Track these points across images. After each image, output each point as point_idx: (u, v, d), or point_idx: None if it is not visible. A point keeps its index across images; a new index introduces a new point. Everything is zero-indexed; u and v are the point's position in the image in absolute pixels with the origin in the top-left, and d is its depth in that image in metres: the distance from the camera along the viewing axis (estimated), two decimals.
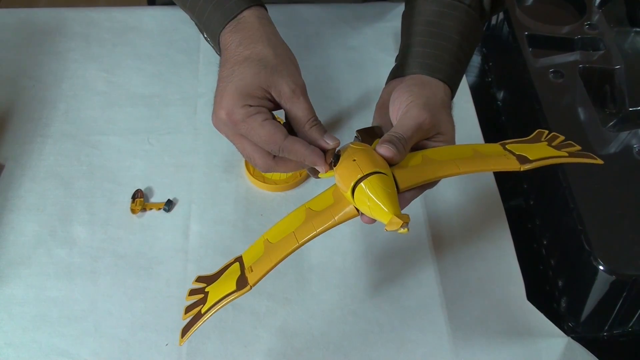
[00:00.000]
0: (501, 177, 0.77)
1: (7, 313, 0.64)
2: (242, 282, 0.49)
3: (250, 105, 0.53)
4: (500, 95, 0.90)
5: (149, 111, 0.82)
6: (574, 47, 0.83)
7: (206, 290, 0.52)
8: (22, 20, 0.93)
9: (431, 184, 0.54)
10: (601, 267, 0.61)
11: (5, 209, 0.72)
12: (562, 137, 0.58)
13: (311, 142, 0.54)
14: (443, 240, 0.71)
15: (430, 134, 0.55)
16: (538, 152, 0.54)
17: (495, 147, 0.55)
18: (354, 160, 0.49)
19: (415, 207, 0.73)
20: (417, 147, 0.54)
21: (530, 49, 0.82)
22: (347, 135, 0.79)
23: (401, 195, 0.50)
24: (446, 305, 0.66)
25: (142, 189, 0.74)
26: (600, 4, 0.87)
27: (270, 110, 0.56)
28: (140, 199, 0.72)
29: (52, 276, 0.67)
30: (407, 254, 0.70)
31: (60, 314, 0.64)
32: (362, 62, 0.89)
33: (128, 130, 0.80)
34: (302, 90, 0.55)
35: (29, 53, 0.88)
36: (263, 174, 0.75)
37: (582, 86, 0.78)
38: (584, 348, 0.63)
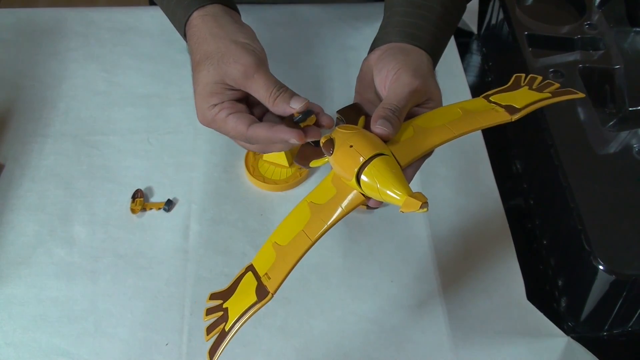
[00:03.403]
0: (501, 177, 0.77)
1: (7, 313, 0.64)
2: (261, 292, 0.48)
3: (215, 105, 0.55)
4: None
5: (149, 111, 0.82)
6: (574, 47, 0.83)
7: (224, 306, 0.50)
8: (22, 20, 0.93)
9: (428, 154, 0.53)
10: (601, 267, 0.61)
11: (5, 209, 0.72)
12: (540, 78, 0.57)
13: (281, 115, 0.55)
14: (443, 241, 0.71)
15: (422, 100, 0.55)
16: (523, 98, 0.53)
17: (480, 101, 0.54)
18: (351, 146, 0.48)
19: None
20: (407, 116, 0.53)
21: (530, 49, 0.82)
22: None
23: (403, 173, 0.49)
24: (446, 305, 0.66)
25: (142, 189, 0.74)
26: (600, 4, 0.87)
27: (241, 99, 0.57)
28: (140, 199, 0.72)
29: (52, 276, 0.67)
30: (406, 253, 0.70)
31: (60, 314, 0.64)
32: (361, 62, 0.89)
33: (128, 130, 0.80)
34: (254, 68, 0.55)
35: (29, 53, 0.88)
36: (263, 173, 0.75)
37: (582, 86, 0.78)
38: (583, 348, 0.63)
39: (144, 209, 0.72)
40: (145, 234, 0.70)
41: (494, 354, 0.63)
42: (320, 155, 0.52)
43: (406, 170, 0.50)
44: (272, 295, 0.47)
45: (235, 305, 0.49)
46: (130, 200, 0.73)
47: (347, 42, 0.92)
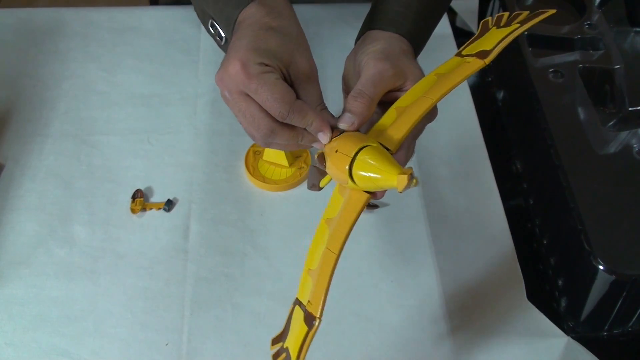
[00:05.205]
0: (501, 177, 0.77)
1: (7, 313, 0.64)
2: (309, 319, 0.48)
3: (267, 65, 0.51)
4: (500, 95, 0.90)
5: (149, 111, 0.82)
6: (574, 47, 0.83)
7: (285, 346, 0.51)
8: (22, 20, 0.93)
9: (418, 131, 0.54)
10: (601, 267, 0.61)
11: (5, 209, 0.72)
12: (506, 14, 0.56)
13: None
14: (443, 241, 0.71)
15: (398, 83, 0.54)
16: (492, 40, 0.53)
17: (453, 60, 0.54)
18: (336, 151, 0.49)
19: (416, 207, 0.73)
20: (390, 103, 0.53)
21: (530, 49, 0.82)
22: None
23: (396, 158, 0.49)
24: (446, 305, 0.66)
25: (142, 189, 0.74)
26: (600, 4, 0.87)
27: None
28: (140, 199, 0.72)
29: (52, 276, 0.67)
30: (407, 254, 0.70)
31: (60, 314, 0.64)
32: None
33: (128, 130, 0.80)
34: (316, 74, 0.55)
35: (29, 53, 0.88)
36: (263, 173, 0.75)
37: (582, 86, 0.78)
38: (583, 348, 0.63)
39: (144, 209, 0.72)
40: (145, 234, 0.70)
41: (494, 354, 0.63)
42: (324, 174, 0.53)
43: (398, 153, 0.51)
44: (319, 319, 0.47)
45: (292, 342, 0.49)
46: (130, 200, 0.73)
47: (347, 42, 0.91)
